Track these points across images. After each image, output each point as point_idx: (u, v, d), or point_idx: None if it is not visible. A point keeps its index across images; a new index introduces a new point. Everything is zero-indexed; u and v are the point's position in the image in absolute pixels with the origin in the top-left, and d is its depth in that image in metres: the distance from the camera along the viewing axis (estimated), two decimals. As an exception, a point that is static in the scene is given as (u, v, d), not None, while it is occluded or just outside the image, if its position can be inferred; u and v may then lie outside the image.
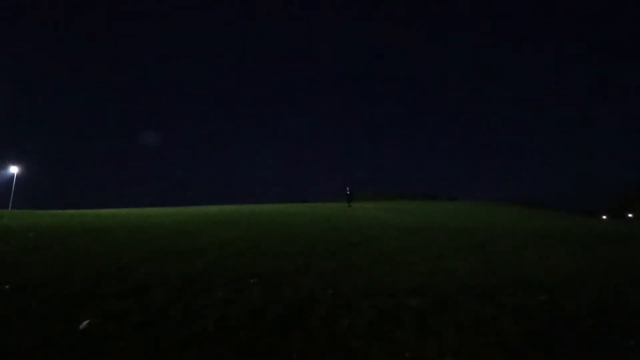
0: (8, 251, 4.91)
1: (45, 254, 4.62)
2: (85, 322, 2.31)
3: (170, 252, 4.64)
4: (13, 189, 33.21)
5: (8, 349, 2.03)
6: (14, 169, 34.41)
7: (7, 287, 3.09)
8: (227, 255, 4.43)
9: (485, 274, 3.39)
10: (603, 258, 4.49)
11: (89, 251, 4.80)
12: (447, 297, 2.69)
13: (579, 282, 3.17)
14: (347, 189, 23.62)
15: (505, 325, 2.19)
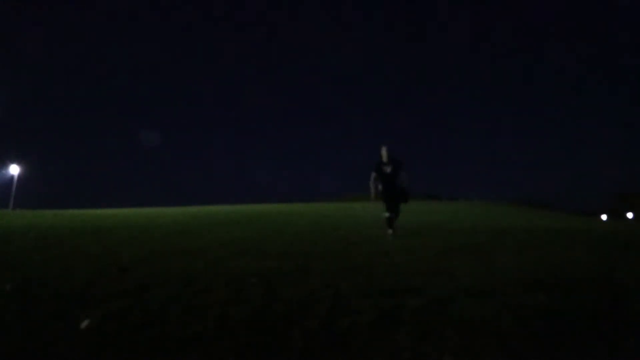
0: (8, 251, 4.91)
1: (45, 254, 4.62)
2: (86, 322, 2.31)
3: (170, 252, 4.64)
4: (14, 189, 33.22)
5: (8, 349, 2.03)
6: (14, 169, 34.41)
7: (7, 287, 3.09)
8: (227, 255, 4.43)
9: (485, 274, 3.39)
10: (603, 258, 4.49)
11: (89, 251, 4.80)
12: (447, 297, 2.69)
13: (579, 282, 3.17)
14: (384, 157, 6.48)
15: (505, 325, 2.18)
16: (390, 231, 6.40)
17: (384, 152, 6.57)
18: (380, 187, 6.60)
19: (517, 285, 3.02)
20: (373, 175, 6.57)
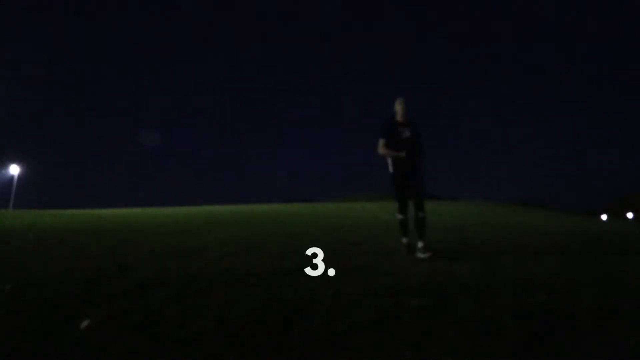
0: (8, 251, 4.92)
1: (45, 254, 4.62)
2: (86, 322, 2.31)
3: (170, 252, 4.64)
4: (14, 189, 33.24)
5: (8, 349, 2.03)
6: (14, 169, 34.44)
7: (7, 287, 3.09)
8: (227, 255, 4.43)
9: (485, 274, 3.39)
10: (603, 257, 4.49)
11: (89, 251, 4.80)
12: (447, 297, 2.69)
13: (579, 281, 3.17)
14: (400, 114, 4.29)
15: (505, 325, 2.19)
16: (405, 240, 4.45)
17: (399, 106, 4.32)
18: (390, 162, 4.31)
19: (517, 285, 3.02)
20: (382, 142, 4.26)
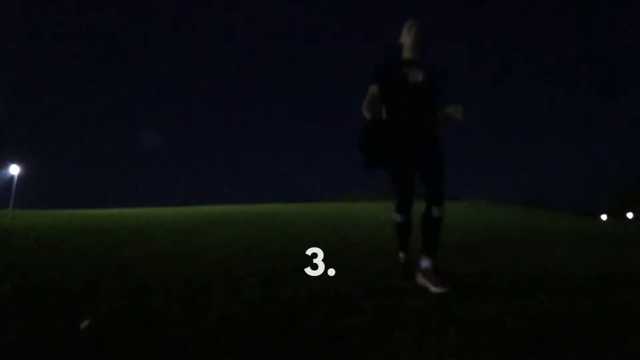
0: (8, 251, 4.92)
1: (45, 254, 4.62)
2: (86, 322, 2.31)
3: (170, 252, 4.65)
4: (14, 189, 33.25)
5: (8, 349, 2.03)
6: (14, 169, 34.44)
7: (7, 286, 3.09)
8: (227, 255, 4.44)
9: (485, 274, 3.39)
10: (603, 258, 4.49)
11: (89, 251, 4.80)
12: (447, 297, 2.69)
13: (580, 281, 3.17)
14: (408, 46, 2.46)
15: (505, 325, 2.18)
16: (402, 256, 2.97)
17: (408, 35, 2.64)
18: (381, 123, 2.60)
19: (518, 285, 3.02)
20: (371, 90, 2.60)
